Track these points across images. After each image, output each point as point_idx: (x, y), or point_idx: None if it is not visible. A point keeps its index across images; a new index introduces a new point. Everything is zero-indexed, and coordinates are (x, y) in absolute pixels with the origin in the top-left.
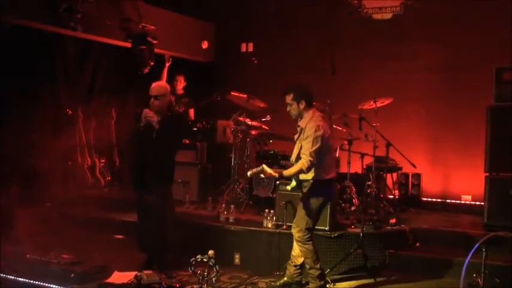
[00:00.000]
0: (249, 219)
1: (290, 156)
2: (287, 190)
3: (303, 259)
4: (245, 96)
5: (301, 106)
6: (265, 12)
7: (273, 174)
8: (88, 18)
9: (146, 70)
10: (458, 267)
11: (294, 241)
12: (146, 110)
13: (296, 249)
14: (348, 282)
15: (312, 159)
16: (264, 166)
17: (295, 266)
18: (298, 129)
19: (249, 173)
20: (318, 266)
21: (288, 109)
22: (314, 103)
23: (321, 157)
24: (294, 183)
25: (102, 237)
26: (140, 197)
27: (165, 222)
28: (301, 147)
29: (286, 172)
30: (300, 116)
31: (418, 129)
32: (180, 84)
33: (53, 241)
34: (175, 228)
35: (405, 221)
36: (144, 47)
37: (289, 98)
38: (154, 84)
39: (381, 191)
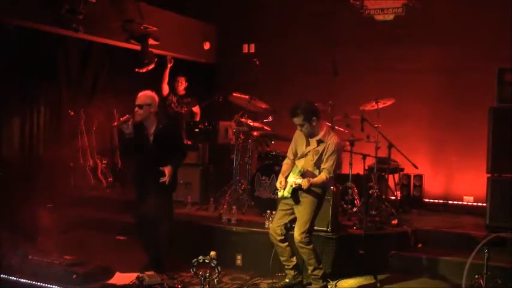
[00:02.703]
0: (250, 220)
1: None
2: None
3: (295, 258)
4: (247, 97)
5: (314, 123)
6: (267, 13)
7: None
8: (90, 20)
9: (143, 70)
10: (460, 268)
11: (278, 246)
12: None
13: (285, 254)
14: (350, 283)
15: (333, 175)
16: (301, 181)
17: (292, 268)
18: (315, 141)
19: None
20: (321, 266)
21: (299, 129)
22: (316, 104)
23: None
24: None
25: (104, 238)
26: (140, 201)
27: (162, 224)
28: (317, 159)
29: (313, 181)
30: (313, 131)
31: (420, 130)
32: (181, 85)
33: (55, 242)
34: (177, 230)
35: (407, 222)
36: (145, 48)
37: (299, 120)
38: (140, 93)
39: (382, 192)
